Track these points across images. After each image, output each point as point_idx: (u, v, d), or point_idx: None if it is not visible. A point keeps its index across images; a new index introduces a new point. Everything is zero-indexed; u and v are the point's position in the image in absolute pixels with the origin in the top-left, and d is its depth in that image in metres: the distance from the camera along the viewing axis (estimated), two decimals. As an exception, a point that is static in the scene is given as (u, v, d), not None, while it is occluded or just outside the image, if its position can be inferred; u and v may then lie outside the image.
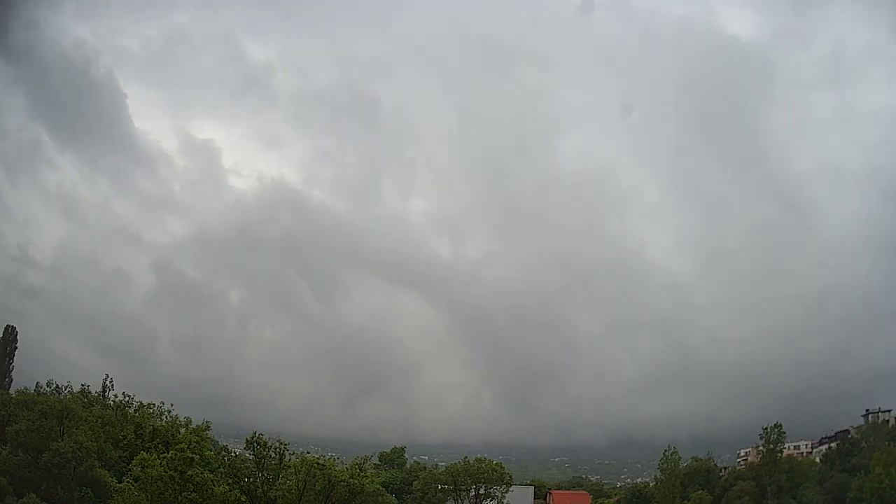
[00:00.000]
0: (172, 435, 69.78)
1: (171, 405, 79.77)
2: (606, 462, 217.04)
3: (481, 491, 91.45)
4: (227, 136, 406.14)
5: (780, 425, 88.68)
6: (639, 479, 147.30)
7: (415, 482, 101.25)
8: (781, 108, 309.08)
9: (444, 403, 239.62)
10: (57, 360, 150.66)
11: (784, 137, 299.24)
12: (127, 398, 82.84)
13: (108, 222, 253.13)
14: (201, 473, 57.56)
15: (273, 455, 65.46)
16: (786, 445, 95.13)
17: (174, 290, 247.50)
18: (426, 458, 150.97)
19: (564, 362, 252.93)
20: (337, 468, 68.67)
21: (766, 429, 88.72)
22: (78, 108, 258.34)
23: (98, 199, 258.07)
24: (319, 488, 65.75)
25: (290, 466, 66.02)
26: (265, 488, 64.31)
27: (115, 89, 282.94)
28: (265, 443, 65.65)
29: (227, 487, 61.31)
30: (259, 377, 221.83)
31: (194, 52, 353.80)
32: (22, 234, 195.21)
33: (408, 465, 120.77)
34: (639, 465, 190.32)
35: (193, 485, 56.72)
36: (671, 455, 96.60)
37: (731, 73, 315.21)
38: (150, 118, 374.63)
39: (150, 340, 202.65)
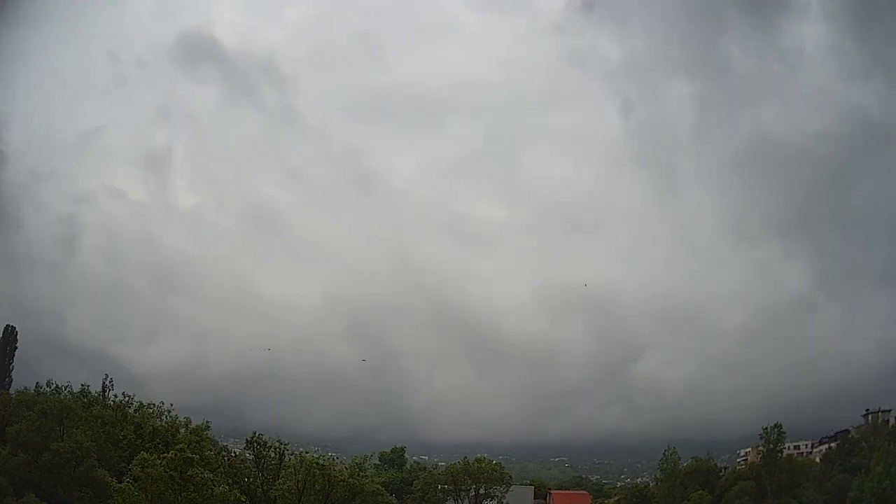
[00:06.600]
0: (172, 435, 69.82)
1: (171, 405, 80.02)
2: (606, 462, 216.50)
3: (481, 491, 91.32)
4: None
5: (780, 425, 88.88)
6: (639, 480, 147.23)
7: (415, 482, 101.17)
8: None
9: (443, 403, 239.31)
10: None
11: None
12: (127, 398, 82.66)
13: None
14: (201, 473, 57.51)
15: (273, 455, 65.55)
16: (786, 445, 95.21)
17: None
18: (426, 457, 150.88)
19: (564, 361, 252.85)
20: (336, 468, 68.72)
21: (766, 429, 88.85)
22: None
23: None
24: (319, 488, 65.76)
25: (289, 466, 66.04)
26: (265, 488, 64.44)
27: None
28: (265, 443, 65.77)
29: (227, 487, 61.29)
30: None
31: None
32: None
33: (408, 465, 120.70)
34: (639, 466, 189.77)
35: (193, 485, 56.64)
36: (671, 455, 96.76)
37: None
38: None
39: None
